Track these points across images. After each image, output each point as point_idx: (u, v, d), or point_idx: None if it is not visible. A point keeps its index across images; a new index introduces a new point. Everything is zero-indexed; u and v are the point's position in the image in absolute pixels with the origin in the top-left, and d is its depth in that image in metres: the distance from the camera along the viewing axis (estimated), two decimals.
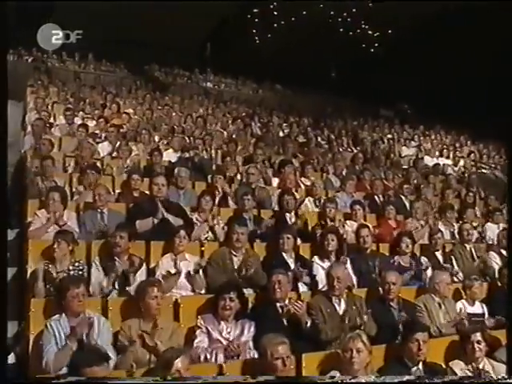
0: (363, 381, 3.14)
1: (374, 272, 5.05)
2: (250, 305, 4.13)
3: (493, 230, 6.70)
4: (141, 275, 4.23)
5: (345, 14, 15.09)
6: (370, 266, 5.13)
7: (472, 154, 11.79)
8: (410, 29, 14.93)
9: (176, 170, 5.79)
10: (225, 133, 8.80)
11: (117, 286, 4.13)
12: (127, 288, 4.08)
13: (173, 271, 4.29)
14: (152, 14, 13.20)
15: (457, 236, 6.29)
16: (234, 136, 8.57)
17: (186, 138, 7.77)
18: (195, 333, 3.72)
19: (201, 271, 4.41)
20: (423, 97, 15.21)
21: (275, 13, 15.15)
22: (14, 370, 3.48)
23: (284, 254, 4.88)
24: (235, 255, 4.64)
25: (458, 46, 13.93)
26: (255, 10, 15.18)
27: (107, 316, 3.73)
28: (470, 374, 3.67)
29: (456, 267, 5.60)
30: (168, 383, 2.81)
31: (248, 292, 4.42)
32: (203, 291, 4.37)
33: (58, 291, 3.59)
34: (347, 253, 5.18)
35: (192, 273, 4.27)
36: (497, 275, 5.39)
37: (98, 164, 6.05)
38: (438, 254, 5.70)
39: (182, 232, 4.52)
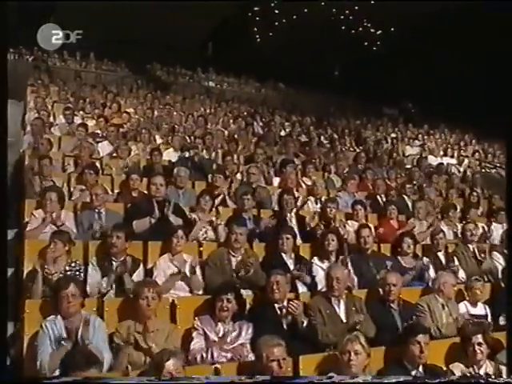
0: (360, 381, 3.10)
1: (375, 273, 4.98)
2: (248, 306, 4.08)
3: (497, 230, 6.62)
4: (138, 276, 4.19)
5: (347, 12, 14.96)
6: (370, 267, 5.08)
7: (477, 153, 11.68)
8: (413, 27, 14.79)
9: (175, 170, 5.76)
10: (226, 132, 8.75)
11: (114, 287, 4.10)
12: (124, 288, 4.04)
13: (175, 271, 4.26)
14: (153, 13, 13.17)
15: (460, 236, 6.21)
16: (235, 135, 8.51)
17: (187, 138, 7.72)
18: (192, 334, 3.68)
19: (198, 271, 4.37)
20: (427, 95, 15.10)
21: (276, 11, 15.06)
22: (9, 371, 3.45)
23: (283, 255, 4.84)
24: (234, 255, 4.61)
25: (462, 43, 13.80)
26: (256, 9, 15.07)
27: (103, 317, 3.69)
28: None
29: (458, 267, 5.52)
30: (162, 383, 2.78)
31: (247, 293, 4.39)
32: (201, 292, 4.33)
33: (53, 292, 3.56)
34: (348, 253, 5.13)
35: (188, 273, 4.21)
36: (500, 276, 5.32)
37: (98, 164, 6.02)
38: (441, 255, 5.63)
39: (180, 232, 4.48)
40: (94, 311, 3.69)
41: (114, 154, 6.54)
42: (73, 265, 4.09)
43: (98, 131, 7.32)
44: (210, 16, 14.11)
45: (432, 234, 5.80)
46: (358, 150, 9.61)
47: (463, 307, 4.71)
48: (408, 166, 9.43)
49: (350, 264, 4.97)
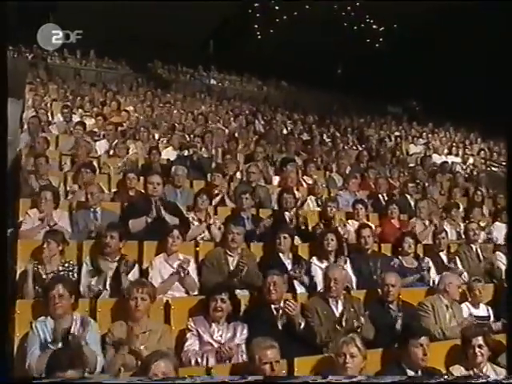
0: (355, 380, 3.03)
1: (375, 273, 4.91)
2: (244, 307, 4.02)
3: (500, 230, 6.51)
4: (133, 276, 4.13)
5: (348, 8, 14.79)
6: (370, 267, 5.01)
7: (482, 152, 11.54)
8: (416, 23, 14.60)
9: (173, 169, 5.70)
10: (226, 130, 8.68)
11: (108, 287, 4.05)
12: (121, 289, 3.98)
13: (171, 272, 4.21)
14: (154, 11, 13.11)
15: (463, 236, 6.12)
16: (235, 134, 8.45)
17: (187, 136, 7.66)
18: (186, 336, 3.63)
19: (193, 272, 4.31)
20: (432, 93, 14.93)
21: (277, 8, 14.92)
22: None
23: (281, 255, 4.77)
24: (230, 255, 4.54)
25: (468, 40, 13.62)
26: (256, 5, 14.92)
27: (96, 317, 3.64)
28: None
29: (461, 268, 5.43)
30: (154, 383, 2.73)
31: (244, 293, 4.33)
32: (196, 292, 4.27)
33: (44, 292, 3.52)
34: (347, 253, 5.06)
35: (182, 274, 4.15)
36: (504, 276, 5.22)
37: (95, 162, 5.97)
38: (443, 255, 5.54)
39: (176, 232, 4.42)
40: (86, 312, 3.64)
41: (112, 153, 6.49)
42: (66, 265, 4.04)
43: (97, 130, 7.27)
44: (211, 14, 14.01)
45: (434, 233, 5.72)
46: (360, 149, 9.52)
47: (465, 308, 4.62)
48: (411, 165, 9.32)
49: (349, 264, 4.90)
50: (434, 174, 8.65)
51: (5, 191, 3.17)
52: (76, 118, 7.64)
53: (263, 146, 7.51)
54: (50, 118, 7.67)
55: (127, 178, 5.40)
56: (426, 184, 7.89)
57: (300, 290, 4.58)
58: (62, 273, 3.97)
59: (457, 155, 10.92)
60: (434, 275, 5.15)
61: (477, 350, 3.65)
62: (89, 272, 4.09)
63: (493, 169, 10.77)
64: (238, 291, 4.31)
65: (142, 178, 5.57)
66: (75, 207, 4.89)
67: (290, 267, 4.70)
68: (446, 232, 5.75)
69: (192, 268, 4.35)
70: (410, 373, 3.46)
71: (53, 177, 5.35)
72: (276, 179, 6.83)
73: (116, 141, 6.70)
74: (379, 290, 4.37)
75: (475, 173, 9.78)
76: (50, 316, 3.34)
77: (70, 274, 4.02)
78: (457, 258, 5.56)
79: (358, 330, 3.80)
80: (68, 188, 5.34)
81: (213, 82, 14.53)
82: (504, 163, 11.13)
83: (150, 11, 13.02)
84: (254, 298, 4.17)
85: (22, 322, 3.48)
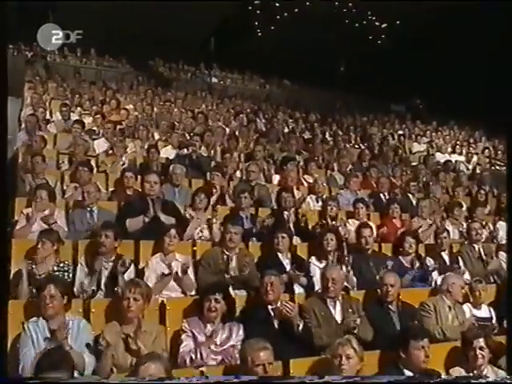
0: (351, 381, 2.97)
1: (375, 273, 4.83)
2: (241, 307, 3.97)
3: (504, 229, 6.41)
4: (129, 276, 4.07)
5: (350, 5, 14.62)
6: (370, 267, 4.94)
7: (486, 150, 11.41)
8: (420, 20, 14.43)
9: (171, 167, 5.65)
10: (227, 129, 8.61)
11: (103, 287, 4.00)
12: (117, 289, 3.93)
13: (166, 272, 4.16)
14: (155, 9, 13.06)
15: (466, 235, 6.03)
16: (236, 132, 8.38)
17: (186, 135, 7.60)
18: (181, 337, 3.58)
19: (190, 272, 4.26)
20: (436, 91, 14.78)
21: (277, 4, 14.77)
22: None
23: (279, 254, 4.72)
24: (228, 255, 4.49)
25: (472, 36, 13.46)
26: (256, 2, 14.77)
27: (89, 318, 3.60)
28: None
29: (463, 268, 5.35)
30: (146, 383, 2.70)
31: (241, 293, 4.28)
32: (193, 292, 4.21)
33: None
34: (347, 253, 4.99)
35: (180, 274, 4.10)
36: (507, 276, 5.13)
37: (93, 161, 5.93)
38: (445, 255, 5.46)
39: (173, 231, 4.38)
40: (79, 312, 3.60)
41: (110, 152, 6.45)
42: (61, 265, 4.01)
43: (95, 128, 7.23)
44: (211, 13, 13.93)
45: (436, 233, 5.63)
46: (362, 147, 9.43)
47: (466, 309, 4.55)
48: (414, 164, 9.23)
49: (348, 264, 4.83)
50: (437, 172, 8.55)
51: (5, 190, 3.15)
52: (75, 117, 7.60)
53: (263, 145, 7.44)
54: (49, 117, 7.64)
55: (125, 176, 5.35)
56: (430, 183, 7.80)
57: (298, 290, 4.52)
58: (56, 273, 3.94)
59: (460, 154, 10.82)
60: (435, 275, 5.07)
61: (478, 352, 3.58)
62: (84, 272, 4.05)
63: (497, 167, 10.64)
64: (235, 291, 4.31)
65: (139, 176, 5.51)
66: (72, 206, 4.84)
67: (288, 267, 4.65)
68: (448, 231, 5.67)
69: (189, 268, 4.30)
70: (408, 374, 3.40)
71: (49, 176, 5.31)
72: (276, 178, 6.76)
73: (115, 139, 6.64)
74: (378, 290, 4.30)
75: (479, 171, 9.66)
76: (42, 317, 3.31)
77: (65, 274, 3.99)
78: (459, 258, 5.48)
79: (356, 331, 3.76)
80: (65, 187, 5.29)
81: (214, 80, 14.44)
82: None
83: (150, 11, 12.98)
84: (251, 299, 4.12)
85: (14, 322, 3.43)
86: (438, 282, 4.81)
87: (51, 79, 9.97)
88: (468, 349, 3.63)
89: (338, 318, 3.99)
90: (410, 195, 7.03)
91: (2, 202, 3.10)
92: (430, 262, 5.19)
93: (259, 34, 15.80)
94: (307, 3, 14.09)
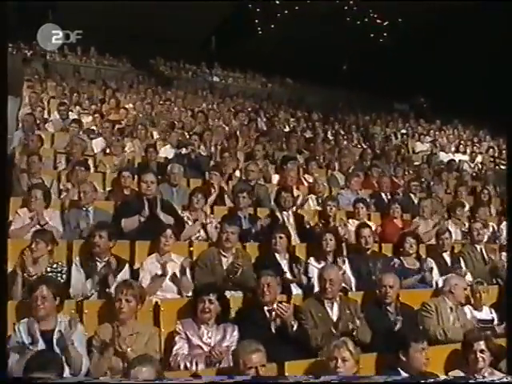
0: (346, 381, 2.93)
1: (375, 274, 4.76)
2: (237, 308, 3.91)
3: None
4: (124, 277, 4.03)
5: (351, 2, 14.49)
6: (370, 268, 4.87)
7: (491, 150, 11.29)
8: (422, 17, 14.28)
9: (169, 167, 5.59)
10: (227, 128, 8.55)
11: (97, 288, 3.95)
12: (109, 290, 3.89)
13: (159, 273, 4.11)
14: (155, 7, 13.02)
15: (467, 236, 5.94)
16: (236, 131, 8.32)
17: (186, 134, 7.54)
18: (174, 339, 3.52)
19: (187, 272, 4.21)
20: (441, 89, 14.64)
21: (277, 1, 14.63)
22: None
23: (277, 255, 4.66)
24: (224, 256, 4.44)
25: (476, 33, 13.31)
26: None
27: (82, 319, 3.56)
28: None
29: (465, 269, 5.26)
30: (139, 383, 2.69)
31: (238, 294, 4.22)
32: (190, 293, 4.15)
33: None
34: (347, 253, 4.93)
35: (178, 274, 4.05)
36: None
37: (91, 161, 5.89)
38: (446, 256, 5.37)
39: (169, 231, 4.32)
40: (72, 313, 3.55)
41: (108, 151, 6.40)
42: (55, 266, 3.96)
43: (94, 127, 7.19)
44: (212, 13, 13.86)
45: (437, 233, 5.54)
46: (364, 147, 9.35)
47: (467, 311, 4.47)
48: (417, 163, 9.14)
49: (347, 265, 4.76)
50: (439, 172, 8.47)
51: (5, 189, 3.11)
52: (73, 116, 7.55)
53: (262, 144, 7.37)
54: (47, 116, 7.60)
55: (122, 176, 5.31)
56: (431, 183, 7.71)
57: (296, 291, 4.46)
58: (50, 274, 3.88)
59: (464, 153, 10.70)
60: (436, 276, 5.00)
61: (478, 355, 3.53)
62: (78, 272, 4.00)
63: (501, 167, 10.51)
64: (232, 292, 4.25)
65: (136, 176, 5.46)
66: (67, 206, 4.80)
67: (286, 268, 4.59)
68: (450, 232, 5.57)
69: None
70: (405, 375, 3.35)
71: (46, 175, 5.27)
72: (276, 178, 6.70)
73: (113, 139, 6.59)
74: (377, 291, 4.23)
75: (483, 171, 9.56)
76: (34, 318, 3.26)
77: (59, 275, 3.94)
78: (461, 259, 5.40)
79: (354, 333, 3.70)
80: (61, 187, 5.25)
81: (215, 79, 14.36)
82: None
83: (150, 10, 12.92)
84: (247, 300, 4.06)
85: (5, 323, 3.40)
86: (439, 284, 4.74)
87: (50, 78, 9.92)
88: (468, 351, 3.57)
89: (335, 319, 3.92)
90: (412, 195, 6.95)
91: (2, 201, 3.07)
92: (430, 262, 5.12)
93: (259, 33, 15.71)
94: (308, 1, 13.97)
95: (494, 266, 5.38)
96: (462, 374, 3.54)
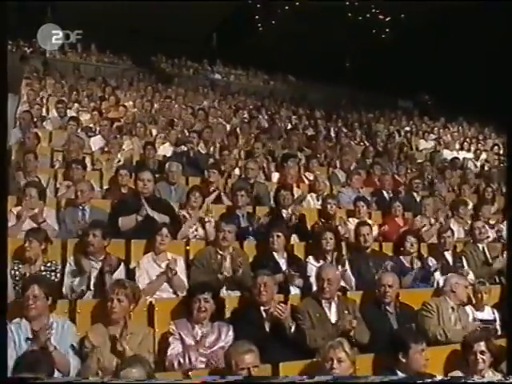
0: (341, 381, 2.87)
1: (374, 273, 4.68)
2: (231, 307, 3.85)
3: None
4: (119, 276, 3.98)
5: None
6: (370, 267, 4.80)
7: (496, 147, 11.15)
8: (425, 12, 14.11)
9: (167, 165, 5.54)
10: (227, 126, 8.48)
11: (92, 288, 3.91)
12: (105, 289, 3.83)
13: (157, 272, 4.05)
14: (155, 10, 12.96)
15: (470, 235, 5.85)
16: (237, 129, 8.25)
17: (186, 132, 7.48)
18: (168, 339, 3.47)
19: (182, 272, 4.15)
20: (445, 86, 14.49)
21: None
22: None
23: (275, 254, 4.59)
24: (221, 254, 4.37)
25: (481, 28, 13.15)
26: None
27: (75, 319, 3.51)
28: None
29: (467, 268, 5.18)
30: (132, 383, 2.65)
31: (235, 294, 4.16)
32: (184, 293, 4.10)
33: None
34: (346, 252, 4.85)
35: (169, 274, 3.99)
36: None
37: (88, 159, 5.84)
38: (448, 254, 5.29)
39: (165, 230, 4.27)
40: (65, 313, 3.51)
41: (106, 149, 6.36)
42: (48, 264, 3.92)
43: (92, 125, 7.14)
44: (212, 12, 13.77)
45: (439, 232, 5.46)
46: (367, 144, 9.26)
47: (469, 312, 4.40)
48: (420, 161, 9.03)
49: (347, 264, 4.69)
50: (443, 170, 8.37)
51: (5, 189, 3.07)
52: (71, 113, 7.51)
53: (262, 142, 7.30)
54: (45, 114, 7.56)
55: (119, 174, 5.26)
56: (435, 180, 7.62)
57: (294, 291, 4.40)
58: (43, 273, 3.84)
59: (469, 151, 10.60)
60: (438, 276, 4.92)
61: (478, 356, 3.47)
62: (72, 272, 3.96)
63: (506, 164, 10.39)
64: (228, 292, 4.20)
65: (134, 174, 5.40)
66: (63, 205, 4.75)
67: (284, 267, 4.52)
68: (452, 231, 5.48)
69: (181, 268, 4.20)
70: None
71: (42, 173, 5.23)
72: (276, 176, 6.63)
73: (111, 136, 6.55)
74: (376, 290, 4.16)
75: (487, 169, 9.44)
76: (25, 317, 3.22)
77: (53, 274, 3.89)
78: (462, 258, 5.32)
79: (352, 333, 3.64)
80: (58, 185, 5.21)
81: (217, 76, 14.25)
82: None
83: (151, 7, 12.86)
84: (243, 299, 4.00)
85: None
86: (441, 283, 4.67)
87: (50, 75, 9.88)
88: (468, 352, 3.52)
89: (333, 319, 3.87)
90: (415, 193, 6.87)
91: (2, 200, 3.02)
92: (431, 261, 5.05)
93: (260, 29, 15.58)
94: None
95: (496, 264, 5.30)
96: (461, 375, 3.47)
